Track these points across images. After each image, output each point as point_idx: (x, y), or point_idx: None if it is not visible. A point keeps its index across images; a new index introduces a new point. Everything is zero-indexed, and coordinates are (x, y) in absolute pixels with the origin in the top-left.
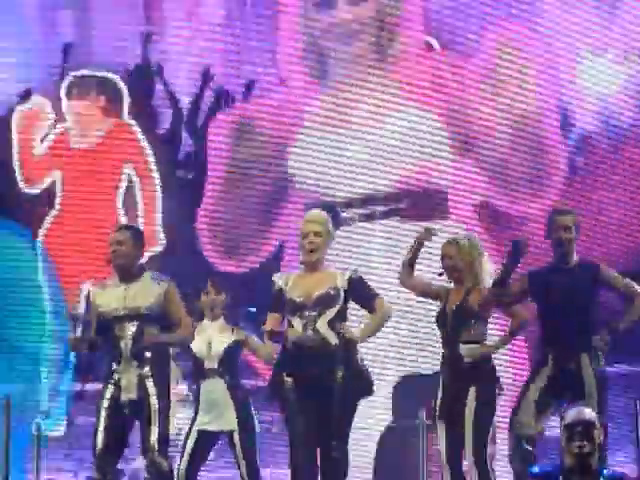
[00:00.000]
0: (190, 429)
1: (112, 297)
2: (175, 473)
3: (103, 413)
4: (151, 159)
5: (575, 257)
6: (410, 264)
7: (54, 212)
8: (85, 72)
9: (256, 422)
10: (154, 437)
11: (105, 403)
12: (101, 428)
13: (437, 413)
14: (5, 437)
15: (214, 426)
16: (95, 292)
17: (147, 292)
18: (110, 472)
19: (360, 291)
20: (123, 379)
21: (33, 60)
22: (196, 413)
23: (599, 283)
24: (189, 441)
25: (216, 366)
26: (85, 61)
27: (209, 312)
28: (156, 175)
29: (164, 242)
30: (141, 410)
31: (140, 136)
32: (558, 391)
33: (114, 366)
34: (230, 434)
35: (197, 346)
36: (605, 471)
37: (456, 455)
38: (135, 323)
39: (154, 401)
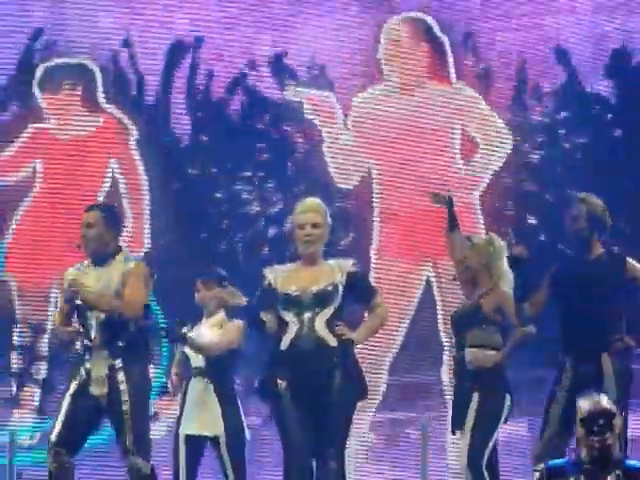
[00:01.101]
0: (177, 432)
1: (86, 281)
2: None
3: (67, 403)
4: (137, 157)
5: (599, 247)
6: (449, 230)
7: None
8: (58, 60)
9: (245, 427)
10: (129, 440)
11: (71, 392)
12: (61, 418)
13: (452, 422)
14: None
15: (197, 429)
16: (70, 277)
17: (115, 275)
18: (64, 463)
19: (359, 288)
20: (93, 370)
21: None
22: (180, 416)
23: (625, 276)
24: (180, 449)
25: (202, 365)
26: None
27: (204, 309)
28: (142, 173)
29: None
30: (112, 409)
31: (127, 132)
32: None
33: (86, 356)
34: (216, 439)
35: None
36: (628, 461)
37: None
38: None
39: (125, 399)
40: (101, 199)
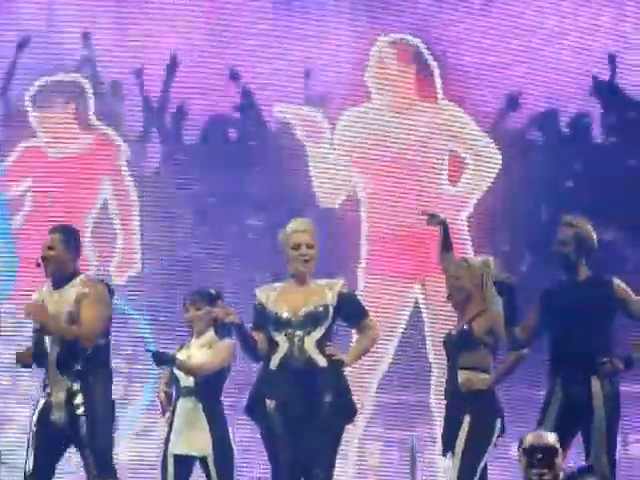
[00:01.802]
0: (165, 452)
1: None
2: None
3: (33, 435)
4: (128, 176)
5: (585, 271)
6: (443, 250)
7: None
8: (50, 78)
9: (234, 446)
10: (92, 461)
11: (35, 420)
12: (31, 448)
13: (442, 444)
14: None
15: (185, 449)
16: (33, 300)
17: (69, 297)
18: None
19: (350, 309)
20: (52, 395)
21: None
22: (168, 435)
23: (613, 300)
24: (168, 469)
25: (192, 384)
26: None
27: (191, 329)
28: (133, 192)
29: (139, 265)
30: (72, 434)
31: (119, 151)
32: (571, 425)
33: (46, 381)
34: (204, 459)
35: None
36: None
37: None
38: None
39: (82, 422)
40: (91, 218)
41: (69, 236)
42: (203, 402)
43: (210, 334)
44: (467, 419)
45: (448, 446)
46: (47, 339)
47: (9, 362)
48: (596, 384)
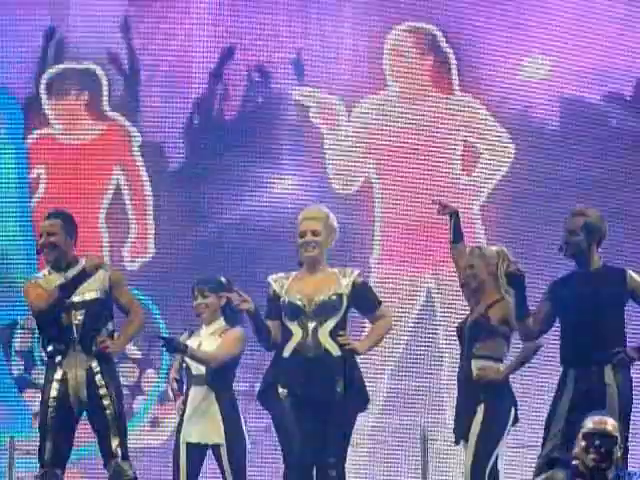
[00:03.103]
0: (178, 441)
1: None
2: None
3: (50, 416)
4: (141, 164)
5: (597, 260)
6: (453, 241)
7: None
8: (65, 66)
9: (246, 434)
10: (115, 443)
11: (51, 404)
12: (50, 435)
13: (455, 432)
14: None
15: (197, 438)
16: (28, 287)
17: (93, 286)
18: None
19: (363, 298)
20: (70, 373)
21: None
22: (180, 423)
23: (625, 288)
24: (181, 457)
25: (203, 373)
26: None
27: (201, 317)
28: (146, 180)
29: (153, 251)
30: (93, 413)
31: (131, 139)
32: (582, 415)
33: (57, 359)
34: (217, 448)
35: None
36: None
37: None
38: (82, 312)
39: (108, 403)
40: (105, 205)
41: (69, 221)
42: (215, 390)
43: (220, 322)
44: (481, 408)
45: (460, 434)
46: (66, 314)
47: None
48: (609, 374)
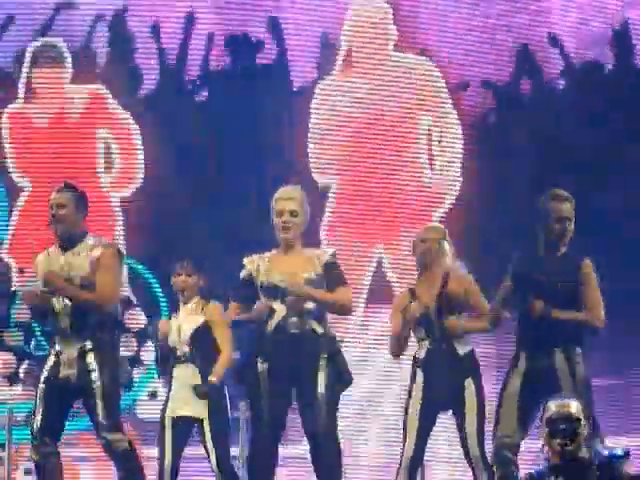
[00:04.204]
0: (162, 417)
1: (52, 266)
2: (159, 469)
3: (42, 391)
4: (130, 121)
5: (564, 247)
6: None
7: None
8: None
9: (229, 408)
10: (102, 414)
11: (44, 379)
12: (40, 408)
13: (417, 411)
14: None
15: (184, 410)
16: (38, 261)
17: (81, 263)
18: (49, 454)
19: (329, 275)
20: (63, 353)
21: None
22: (167, 401)
23: (578, 278)
24: (166, 432)
25: (187, 351)
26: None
27: (181, 295)
28: (138, 135)
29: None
30: (82, 387)
31: (114, 102)
32: (535, 392)
33: (56, 339)
34: (200, 422)
35: (171, 332)
36: (601, 451)
37: (420, 458)
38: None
39: (95, 377)
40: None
41: (80, 197)
42: (199, 367)
43: (197, 299)
44: (470, 381)
45: (428, 412)
46: (57, 299)
47: None
48: (560, 357)
